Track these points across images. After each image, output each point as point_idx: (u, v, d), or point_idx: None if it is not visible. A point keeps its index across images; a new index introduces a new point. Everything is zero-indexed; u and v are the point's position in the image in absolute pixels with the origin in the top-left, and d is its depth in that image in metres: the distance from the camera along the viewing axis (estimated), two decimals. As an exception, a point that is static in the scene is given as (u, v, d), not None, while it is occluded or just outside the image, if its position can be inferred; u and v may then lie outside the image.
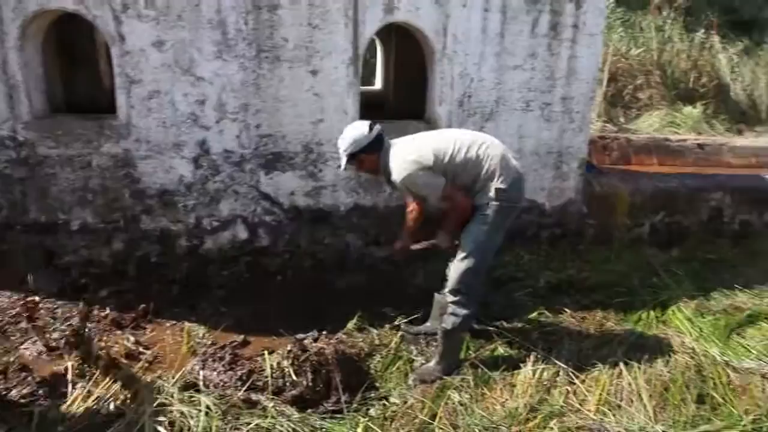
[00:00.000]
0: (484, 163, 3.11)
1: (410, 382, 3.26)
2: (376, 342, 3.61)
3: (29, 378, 3.24)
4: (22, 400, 3.00)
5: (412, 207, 3.36)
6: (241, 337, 3.61)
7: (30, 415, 2.88)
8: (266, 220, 4.36)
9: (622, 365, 3.29)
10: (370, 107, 4.60)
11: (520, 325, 3.86)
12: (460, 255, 3.17)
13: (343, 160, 3.20)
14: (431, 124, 4.49)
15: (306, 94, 4.15)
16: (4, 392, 3.04)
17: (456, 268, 3.19)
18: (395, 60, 6.61)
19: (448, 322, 3.22)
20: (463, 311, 3.19)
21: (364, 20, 4.15)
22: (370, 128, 3.16)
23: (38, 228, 4.17)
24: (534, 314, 3.97)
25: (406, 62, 6.25)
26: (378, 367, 3.39)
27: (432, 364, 3.34)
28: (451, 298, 3.22)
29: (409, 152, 3.11)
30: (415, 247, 3.54)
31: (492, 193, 3.09)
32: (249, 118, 4.12)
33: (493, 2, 4.32)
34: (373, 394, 3.14)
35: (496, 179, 3.09)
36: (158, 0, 3.85)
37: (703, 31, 9.89)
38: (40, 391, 3.14)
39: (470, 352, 3.51)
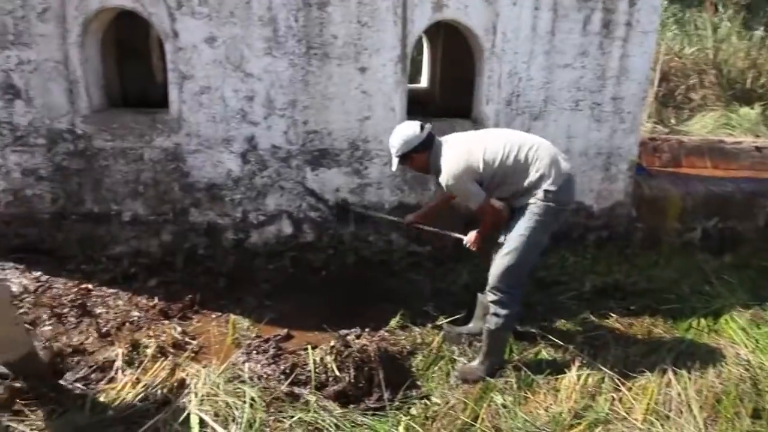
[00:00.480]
0: (533, 166, 3.08)
1: (452, 381, 3.24)
2: (418, 341, 3.59)
3: (82, 362, 3.36)
4: (77, 384, 3.10)
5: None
6: (285, 330, 3.65)
7: (84, 398, 2.98)
8: (311, 216, 4.40)
9: (671, 374, 3.20)
10: (415, 105, 4.59)
11: (564, 328, 3.79)
12: (503, 252, 3.14)
13: (395, 161, 3.23)
14: (478, 124, 4.46)
15: (354, 92, 4.17)
16: (61, 375, 3.16)
17: (497, 265, 3.16)
18: (442, 58, 6.58)
19: (491, 322, 3.20)
20: (504, 311, 3.16)
21: (412, 18, 4.14)
22: (421, 128, 3.18)
23: (92, 218, 4.31)
24: (579, 318, 3.90)
25: (453, 60, 6.22)
26: (420, 366, 3.37)
27: (475, 363, 3.32)
28: (491, 297, 3.19)
29: (460, 156, 3.11)
30: (433, 230, 3.70)
31: (541, 194, 3.05)
32: (297, 114, 4.16)
33: (543, 0, 4.25)
34: (414, 393, 3.14)
35: (545, 181, 3.05)
36: (211, -3, 3.93)
37: (762, 28, 9.51)
38: (93, 375, 3.26)
39: (513, 354, 3.47)
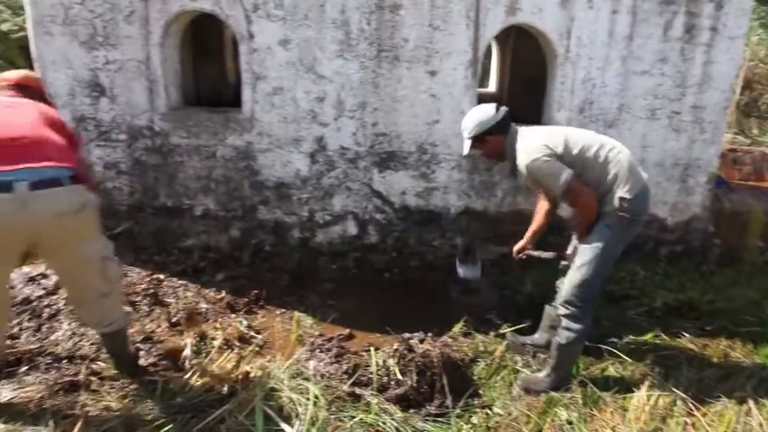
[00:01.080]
0: (611, 168, 2.93)
1: (515, 392, 3.17)
2: (481, 348, 3.54)
3: (152, 349, 3.49)
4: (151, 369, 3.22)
5: (542, 203, 3.25)
6: (347, 330, 3.67)
7: (155, 384, 3.09)
8: (376, 218, 4.41)
9: (751, 402, 3.01)
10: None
11: (633, 345, 3.65)
12: (576, 265, 3.03)
13: (467, 144, 3.12)
14: (548, 130, 4.36)
15: (423, 95, 4.16)
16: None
17: (571, 279, 3.05)
18: (511, 62, 6.48)
19: (563, 336, 3.09)
20: (576, 325, 3.05)
21: (485, 22, 4.10)
22: (497, 110, 3.07)
23: (166, 211, 4.48)
24: (649, 336, 3.74)
25: (523, 65, 6.12)
26: (482, 375, 3.32)
27: (541, 375, 3.23)
28: (563, 311, 3.09)
29: (538, 137, 2.98)
30: (536, 253, 3.44)
31: (615, 202, 2.93)
32: (366, 116, 4.19)
33: (622, 3, 4.12)
34: (476, 402, 3.09)
35: (621, 187, 2.91)
36: (286, 0, 4.00)
37: None
38: (163, 363, 3.38)
39: (579, 368, 3.36)
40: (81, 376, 3.13)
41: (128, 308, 3.20)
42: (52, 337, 3.50)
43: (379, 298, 4.12)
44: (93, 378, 3.13)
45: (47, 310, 3.73)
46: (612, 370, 3.36)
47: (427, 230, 4.44)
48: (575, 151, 2.93)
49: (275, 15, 4.02)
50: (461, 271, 4.11)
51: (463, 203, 4.43)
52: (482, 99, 4.32)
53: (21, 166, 2.41)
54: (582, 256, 3.01)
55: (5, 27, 7.11)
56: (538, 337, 3.59)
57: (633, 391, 3.10)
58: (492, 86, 7.45)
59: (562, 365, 3.17)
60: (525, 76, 5.95)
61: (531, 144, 2.96)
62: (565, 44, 4.18)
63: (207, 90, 5.39)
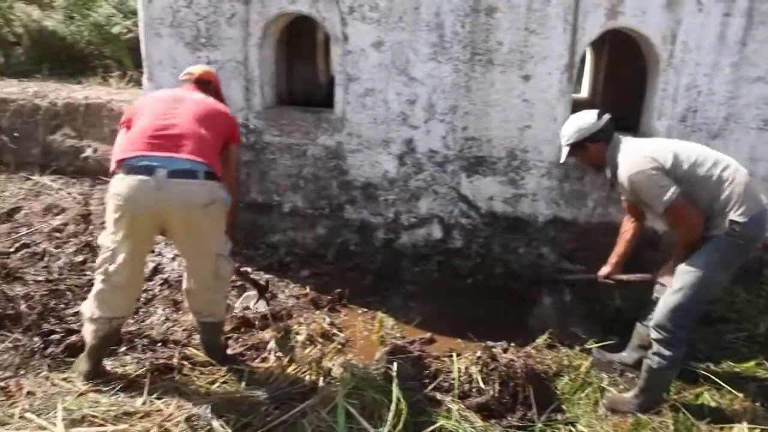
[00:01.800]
0: (725, 187, 2.73)
1: (601, 410, 3.05)
2: (565, 362, 3.43)
3: (239, 339, 3.62)
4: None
5: (627, 225, 3.11)
6: (428, 334, 3.66)
7: (241, 373, 3.20)
8: (462, 222, 4.37)
9: None
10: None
11: (732, 372, 3.41)
12: (675, 288, 2.84)
13: (565, 150, 3.03)
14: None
15: (515, 100, 4.08)
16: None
17: (667, 302, 2.86)
18: (606, 67, 6.24)
19: (654, 361, 2.92)
20: (668, 352, 2.86)
21: (583, 26, 3.97)
22: (599, 117, 2.96)
23: (256, 207, 4.63)
24: (751, 363, 3.49)
25: (618, 70, 5.88)
26: (565, 390, 3.22)
27: (629, 395, 3.08)
28: (655, 335, 2.91)
29: (644, 149, 2.83)
30: (624, 277, 3.30)
31: (726, 226, 2.71)
32: (456, 120, 4.16)
33: (736, 6, 3.86)
34: (559, 417, 3.00)
35: (734, 209, 2.70)
36: (381, 3, 4.04)
37: None
38: (248, 353, 3.50)
39: (671, 392, 3.18)
40: (174, 360, 3.29)
41: (229, 303, 3.37)
42: (148, 321, 3.71)
43: (460, 303, 4.08)
44: (185, 362, 3.28)
45: (144, 295, 3.95)
46: (707, 397, 3.16)
47: (513, 237, 4.35)
48: (685, 167, 2.76)
49: (370, 17, 4.07)
50: (547, 300, 4.01)
51: (552, 212, 4.31)
52: (574, 105, 4.20)
53: (164, 154, 2.72)
54: (682, 278, 2.81)
55: (116, 29, 7.59)
56: (626, 355, 3.43)
57: (732, 422, 2.90)
58: (584, 92, 7.20)
59: (652, 388, 3.01)
60: (621, 81, 5.71)
61: (636, 155, 2.81)
62: (669, 49, 3.97)
63: (299, 90, 5.53)
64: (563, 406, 3.09)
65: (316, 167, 4.44)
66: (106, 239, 2.84)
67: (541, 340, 3.57)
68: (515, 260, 4.37)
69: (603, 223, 4.26)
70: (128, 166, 2.70)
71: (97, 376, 2.95)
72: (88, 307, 2.90)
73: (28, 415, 2.66)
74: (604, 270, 3.37)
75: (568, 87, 4.07)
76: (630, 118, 4.44)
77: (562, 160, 3.09)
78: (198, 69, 3.33)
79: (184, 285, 3.13)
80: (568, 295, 4.04)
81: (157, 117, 2.85)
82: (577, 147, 3.00)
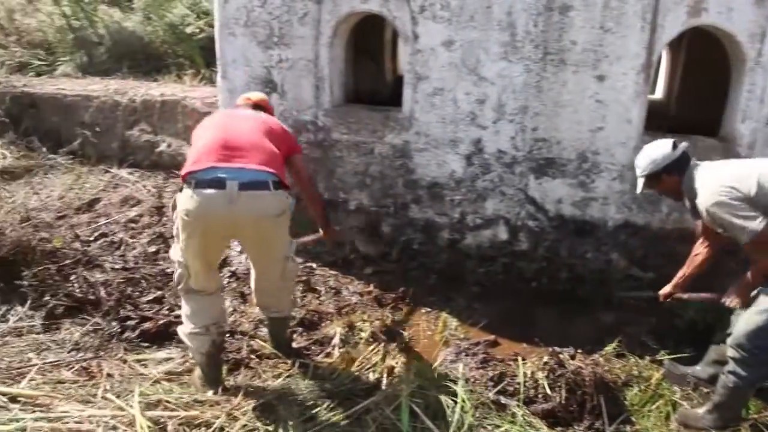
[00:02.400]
0: None
1: (672, 425, 2.94)
2: (635, 372, 3.32)
3: (304, 334, 3.68)
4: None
5: (700, 248, 2.99)
6: (492, 337, 3.63)
7: (306, 367, 3.26)
8: (529, 225, 4.30)
9: None
10: (648, 118, 4.20)
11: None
12: (759, 308, 2.67)
13: (641, 182, 2.93)
14: (727, 143, 3.98)
15: (588, 101, 3.97)
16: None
17: (749, 321, 2.70)
18: (684, 66, 6.00)
19: (729, 379, 2.78)
20: (744, 372, 2.72)
21: (663, 24, 3.82)
22: (674, 147, 2.84)
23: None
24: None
25: (697, 69, 5.64)
26: (635, 401, 3.12)
27: (702, 411, 2.95)
28: (733, 353, 2.76)
29: (724, 175, 2.68)
30: (686, 296, 3.19)
31: None
32: (526, 120, 4.09)
33: (832, 3, 3.64)
34: (628, 428, 2.92)
35: None
36: (453, 2, 4.01)
37: None
38: (313, 348, 3.56)
39: (750, 410, 3.03)
40: (243, 353, 3.39)
41: (295, 299, 3.45)
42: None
43: (525, 307, 4.02)
44: (252, 356, 3.37)
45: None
46: (792, 418, 2.99)
47: (581, 242, 4.25)
48: None
49: (441, 16, 4.05)
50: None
51: (623, 216, 4.17)
52: (649, 106, 4.06)
53: (233, 165, 2.70)
54: (766, 300, 2.67)
55: (189, 29, 7.85)
56: (701, 369, 3.28)
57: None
58: (659, 93, 6.94)
59: (727, 406, 2.86)
60: (700, 82, 5.48)
61: (715, 184, 2.66)
62: (757, 48, 3.78)
63: (364, 89, 5.57)
64: (632, 418, 3.00)
65: (382, 165, 4.46)
66: (179, 254, 2.86)
67: (609, 348, 3.47)
68: (582, 265, 4.26)
69: (677, 230, 4.10)
70: (197, 179, 2.66)
71: (220, 383, 2.98)
72: (183, 328, 2.97)
73: (108, 395, 2.80)
74: (666, 289, 3.29)
75: (644, 88, 3.93)
76: (709, 122, 4.25)
77: (638, 191, 2.99)
78: (255, 95, 3.45)
79: (252, 285, 3.22)
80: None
81: (221, 131, 2.87)
82: (651, 179, 2.89)
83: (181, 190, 2.75)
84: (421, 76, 4.20)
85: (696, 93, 5.50)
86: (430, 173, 4.37)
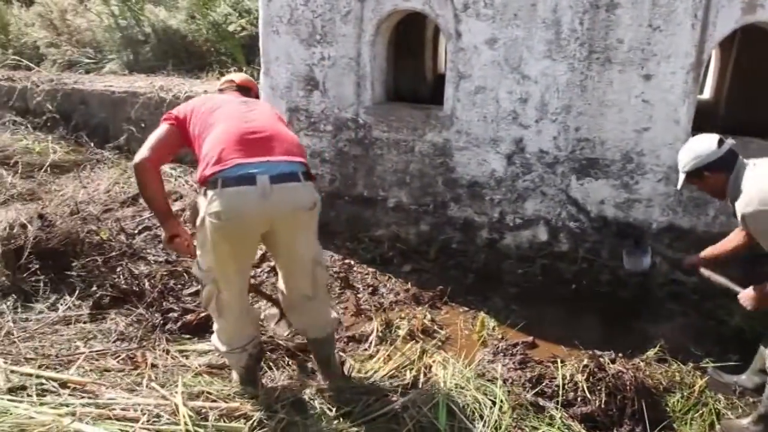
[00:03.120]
0: None
1: (717, 435, 2.87)
2: (677, 379, 3.24)
3: (340, 330, 3.70)
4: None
5: (737, 234, 2.90)
6: (530, 338, 3.59)
7: (342, 363, 3.28)
8: (569, 226, 4.24)
9: None
10: (695, 119, 4.09)
11: None
12: None
13: (681, 177, 2.83)
14: (779, 145, 3.85)
15: (634, 100, 3.89)
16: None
17: None
18: (734, 66, 5.81)
19: None
20: None
21: (714, 21, 3.71)
22: (720, 143, 2.72)
23: (361, 201, 4.73)
24: None
25: (747, 69, 5.46)
26: (677, 408, 3.04)
27: (746, 421, 2.86)
28: None
29: (766, 184, 2.54)
30: (707, 274, 3.15)
31: None
32: (569, 120, 4.03)
33: None
34: (670, 436, 2.86)
35: None
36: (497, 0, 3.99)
37: None
38: (349, 345, 3.58)
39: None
40: (282, 345, 3.42)
41: (336, 315, 3.19)
42: (256, 306, 3.85)
43: (564, 309, 3.96)
44: (288, 352, 3.40)
45: (251, 281, 4.12)
46: None
47: (623, 244, 4.15)
48: None
49: (485, 14, 4.03)
50: (627, 262, 3.69)
51: (667, 219, 4.07)
52: (698, 107, 3.95)
53: (261, 159, 2.47)
54: None
55: (231, 28, 7.98)
56: (746, 378, 3.18)
57: None
58: (707, 93, 6.73)
59: None
60: (751, 82, 5.30)
61: (756, 188, 2.53)
62: (815, 48, 3.65)
63: (404, 87, 5.58)
64: (674, 425, 2.93)
65: (422, 164, 4.46)
66: (205, 268, 2.63)
67: (651, 353, 3.39)
68: (623, 267, 4.17)
69: (724, 234, 3.96)
70: (224, 178, 2.41)
71: (258, 383, 2.93)
72: (217, 344, 2.82)
73: (153, 385, 2.88)
74: (692, 259, 3.21)
75: (693, 87, 3.83)
76: (760, 123, 4.12)
77: (678, 187, 2.87)
78: (239, 76, 3.17)
79: (284, 303, 2.96)
80: (649, 260, 3.67)
81: (235, 121, 2.61)
82: (693, 175, 2.78)
83: (204, 194, 2.49)
84: (464, 74, 4.18)
85: (747, 93, 5.33)
86: (470, 172, 4.34)
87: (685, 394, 3.12)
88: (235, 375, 2.97)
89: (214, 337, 2.85)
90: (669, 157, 3.91)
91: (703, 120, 5.10)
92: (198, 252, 2.66)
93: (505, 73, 4.07)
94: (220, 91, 3.12)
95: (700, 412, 3.03)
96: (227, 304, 2.67)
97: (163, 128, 2.76)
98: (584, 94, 3.96)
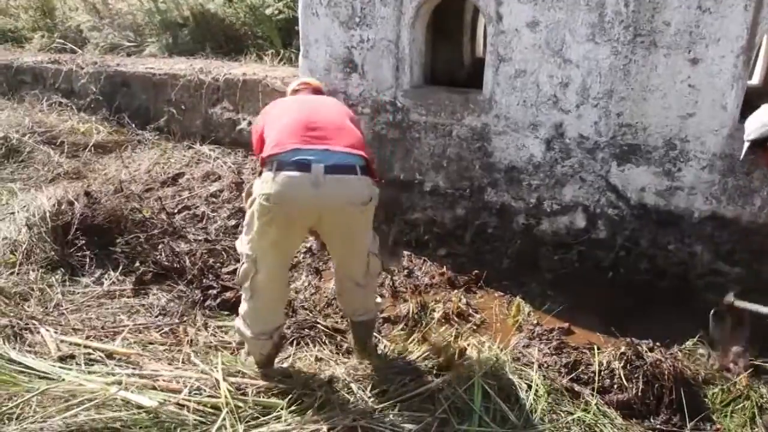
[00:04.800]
0: None
1: (757, 429, 2.81)
2: (716, 370, 3.19)
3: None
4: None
5: None
6: (566, 324, 3.57)
7: (376, 345, 3.32)
8: (608, 213, 4.17)
9: None
10: (743, 105, 3.96)
11: None
12: None
13: (745, 146, 2.75)
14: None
15: (680, 85, 3.79)
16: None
17: None
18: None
19: None
20: None
21: (769, 2, 3.58)
22: None
23: (398, 184, 4.73)
24: None
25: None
26: (717, 400, 3.00)
27: (789, 416, 2.82)
28: None
29: None
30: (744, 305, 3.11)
31: None
32: (611, 105, 3.95)
33: None
34: (709, 427, 2.82)
35: None
36: (539, -19, 3.92)
37: None
38: (385, 325, 3.61)
39: None
40: (318, 325, 3.48)
41: (380, 300, 3.28)
42: (292, 287, 3.93)
43: (600, 296, 3.91)
44: (324, 332, 3.46)
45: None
46: None
47: (664, 232, 4.08)
48: None
49: (526, -3, 3.97)
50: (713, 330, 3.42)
51: (710, 208, 3.98)
52: (746, 93, 3.83)
53: (319, 147, 2.52)
54: None
55: (269, 11, 8.02)
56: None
57: None
58: (756, 79, 6.51)
59: None
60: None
61: None
62: None
63: (441, 70, 5.53)
64: (713, 417, 2.89)
65: (460, 148, 4.44)
66: (247, 247, 2.66)
67: (691, 343, 3.35)
68: (663, 257, 4.10)
69: (772, 226, 3.88)
70: (280, 161, 2.47)
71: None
72: (242, 327, 2.81)
73: (193, 359, 2.96)
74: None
75: (743, 72, 3.71)
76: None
77: (740, 157, 2.80)
78: (314, 81, 3.41)
79: (335, 287, 3.06)
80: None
81: (304, 113, 2.71)
82: (758, 145, 2.70)
83: (260, 174, 2.59)
84: (504, 57, 4.13)
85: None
86: (508, 157, 4.31)
87: (727, 386, 3.07)
88: (249, 357, 2.97)
89: (238, 320, 2.84)
90: (715, 144, 3.81)
91: (751, 107, 4.95)
92: (245, 229, 2.71)
93: (546, 56, 4.00)
94: (295, 92, 3.28)
95: (742, 405, 2.98)
96: (261, 287, 2.68)
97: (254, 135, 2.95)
98: (627, 79, 3.87)
